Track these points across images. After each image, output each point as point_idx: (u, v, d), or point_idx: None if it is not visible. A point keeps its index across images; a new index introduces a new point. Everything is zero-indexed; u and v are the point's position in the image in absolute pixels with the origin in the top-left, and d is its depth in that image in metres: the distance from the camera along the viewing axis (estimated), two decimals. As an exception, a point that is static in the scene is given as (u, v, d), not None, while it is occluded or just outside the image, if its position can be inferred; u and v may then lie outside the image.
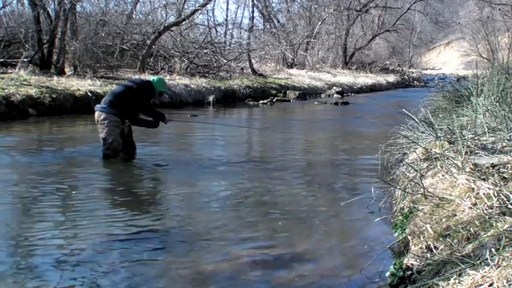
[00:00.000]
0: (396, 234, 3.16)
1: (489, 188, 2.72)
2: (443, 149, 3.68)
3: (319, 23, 27.43)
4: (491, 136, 3.80)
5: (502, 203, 2.56)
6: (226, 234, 3.37)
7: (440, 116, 5.47)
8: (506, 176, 2.92)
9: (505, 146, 3.53)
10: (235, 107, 14.27)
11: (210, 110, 13.16)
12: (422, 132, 4.48)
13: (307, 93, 18.49)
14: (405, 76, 32.68)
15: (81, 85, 11.22)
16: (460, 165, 3.16)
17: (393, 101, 17.28)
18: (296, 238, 3.36)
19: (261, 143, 8.21)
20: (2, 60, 12.30)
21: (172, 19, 17.06)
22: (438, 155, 3.63)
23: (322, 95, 19.53)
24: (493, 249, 2.05)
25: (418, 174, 3.32)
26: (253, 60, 19.95)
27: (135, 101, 5.63)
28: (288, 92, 17.42)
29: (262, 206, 4.10)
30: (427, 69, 50.41)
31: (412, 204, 3.22)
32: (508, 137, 3.69)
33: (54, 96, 10.23)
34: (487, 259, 1.98)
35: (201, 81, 14.81)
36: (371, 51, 35.46)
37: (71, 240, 3.21)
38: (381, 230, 3.52)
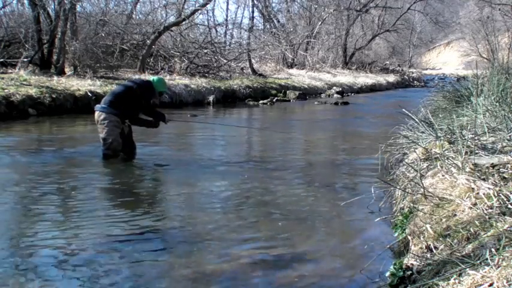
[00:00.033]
0: (396, 234, 3.17)
1: (489, 188, 2.72)
2: (443, 149, 3.68)
3: (319, 23, 27.43)
4: (491, 136, 3.80)
5: (502, 203, 2.56)
6: (226, 235, 3.38)
7: (440, 116, 5.47)
8: (506, 176, 2.93)
9: (505, 146, 3.53)
10: (235, 107, 14.26)
11: (210, 110, 13.16)
12: (422, 132, 4.48)
13: (307, 93, 18.49)
14: (405, 76, 32.68)
15: (81, 85, 11.22)
16: (460, 165, 3.16)
17: (393, 101, 17.28)
18: (296, 238, 3.36)
19: (261, 143, 8.21)
20: (2, 60, 12.30)
21: (172, 19, 17.07)
22: (438, 155, 3.63)
23: (322, 95, 19.52)
24: (493, 249, 2.05)
25: (418, 174, 3.32)
26: (253, 60, 19.95)
27: (135, 101, 5.63)
28: (288, 92, 17.41)
29: (262, 206, 4.10)
30: (427, 69, 50.39)
31: (412, 204, 3.22)
32: (508, 137, 3.69)
33: (54, 96, 10.23)
34: (487, 259, 1.98)
35: (201, 81, 14.81)
36: (371, 51, 35.46)
37: (71, 240, 3.21)
38: (381, 230, 3.52)
